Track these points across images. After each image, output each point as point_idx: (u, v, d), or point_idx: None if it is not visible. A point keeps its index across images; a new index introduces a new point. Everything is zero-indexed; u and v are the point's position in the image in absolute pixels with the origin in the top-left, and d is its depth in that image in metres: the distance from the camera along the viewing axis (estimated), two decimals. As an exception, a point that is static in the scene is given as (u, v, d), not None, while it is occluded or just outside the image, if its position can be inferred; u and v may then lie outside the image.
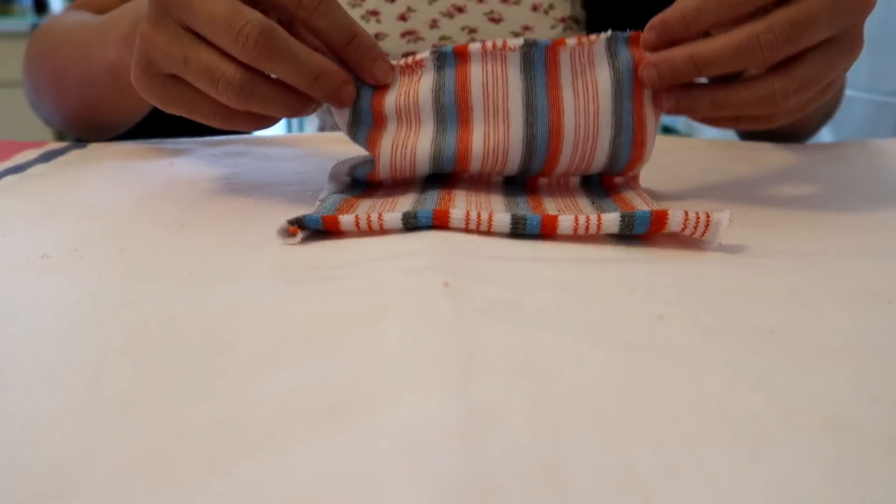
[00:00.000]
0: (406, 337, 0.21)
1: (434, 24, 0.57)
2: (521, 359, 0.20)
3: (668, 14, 0.32)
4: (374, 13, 0.58)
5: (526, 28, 0.57)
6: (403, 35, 0.57)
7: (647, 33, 0.33)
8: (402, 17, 0.57)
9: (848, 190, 0.40)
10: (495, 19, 0.58)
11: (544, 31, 0.57)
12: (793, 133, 0.54)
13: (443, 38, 0.57)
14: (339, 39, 0.32)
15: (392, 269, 0.26)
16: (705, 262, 0.28)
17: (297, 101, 0.33)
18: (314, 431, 0.17)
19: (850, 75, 0.39)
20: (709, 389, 0.19)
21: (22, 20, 2.13)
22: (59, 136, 2.09)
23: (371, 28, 0.57)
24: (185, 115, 0.34)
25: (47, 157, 0.46)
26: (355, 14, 0.58)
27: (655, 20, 0.33)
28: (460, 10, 0.57)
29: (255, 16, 0.30)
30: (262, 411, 0.18)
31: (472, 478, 0.15)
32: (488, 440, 0.17)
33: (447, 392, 0.19)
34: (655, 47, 0.33)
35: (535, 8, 0.57)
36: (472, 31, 0.57)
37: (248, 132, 0.35)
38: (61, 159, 0.46)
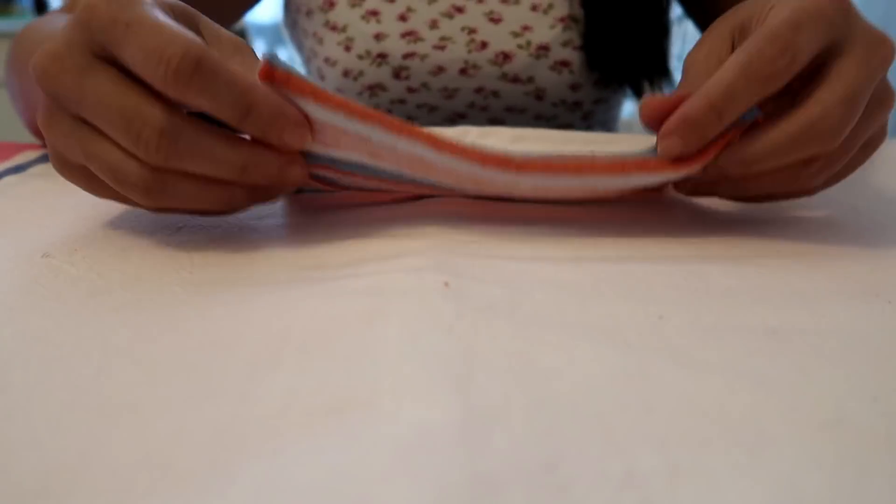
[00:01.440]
0: (406, 337, 0.21)
1: (434, 25, 0.57)
2: (520, 359, 0.20)
3: (692, 110, 0.28)
4: (374, 13, 0.58)
5: (525, 28, 0.57)
6: (403, 35, 0.57)
7: (670, 142, 0.28)
8: (402, 18, 0.57)
9: (848, 190, 0.40)
10: (495, 19, 0.58)
11: (543, 30, 0.57)
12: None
13: (443, 38, 0.57)
14: (231, 116, 0.26)
15: (392, 269, 0.26)
16: (705, 262, 0.28)
17: (223, 192, 0.28)
18: (314, 431, 0.17)
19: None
20: (709, 389, 0.19)
21: (22, 20, 2.14)
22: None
23: (371, 28, 0.57)
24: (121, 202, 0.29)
25: (47, 158, 0.46)
26: (355, 14, 0.58)
27: (675, 122, 0.28)
28: (460, 10, 0.57)
29: (153, 115, 0.25)
30: (262, 411, 0.18)
31: (472, 478, 0.15)
32: (488, 440, 0.17)
33: (447, 392, 0.19)
34: (681, 154, 0.29)
35: (534, 8, 0.57)
36: (472, 31, 0.57)
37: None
38: (61, 159, 0.46)
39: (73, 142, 0.27)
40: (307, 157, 0.31)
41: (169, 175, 0.26)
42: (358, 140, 0.28)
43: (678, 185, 0.32)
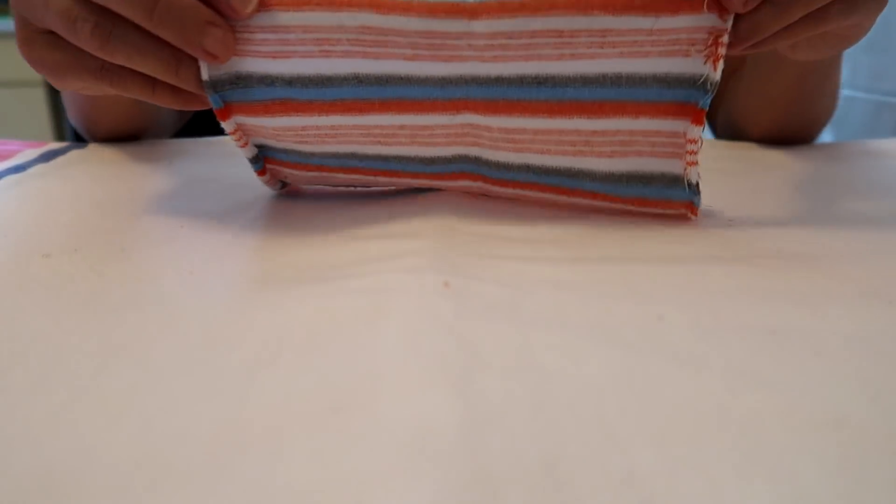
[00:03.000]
0: (406, 337, 0.21)
1: None
2: (521, 359, 0.20)
3: None
4: None
5: None
6: None
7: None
8: None
9: (848, 190, 0.40)
10: None
11: None
12: (797, 134, 0.54)
13: None
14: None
15: (392, 269, 0.26)
16: (705, 262, 0.28)
17: (170, 55, 0.29)
18: (314, 431, 0.17)
19: (850, 75, 0.39)
20: (709, 389, 0.19)
21: (22, 20, 2.13)
22: (59, 136, 2.10)
23: None
24: (74, 82, 0.31)
25: (47, 157, 0.46)
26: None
27: None
28: None
29: None
30: (262, 411, 0.18)
31: (472, 478, 0.15)
32: (488, 440, 0.17)
33: (447, 392, 0.19)
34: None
35: None
36: None
37: (182, 110, 0.33)
38: (61, 159, 0.46)
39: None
40: (266, 150, 0.33)
41: (119, 19, 0.28)
42: (303, 31, 0.28)
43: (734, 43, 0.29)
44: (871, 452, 0.17)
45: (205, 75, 0.29)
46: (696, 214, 0.32)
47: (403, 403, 0.18)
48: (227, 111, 0.31)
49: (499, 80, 0.29)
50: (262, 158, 0.35)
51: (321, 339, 0.22)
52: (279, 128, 0.32)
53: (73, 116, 0.52)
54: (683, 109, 0.30)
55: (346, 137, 0.32)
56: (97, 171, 0.43)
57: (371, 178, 0.34)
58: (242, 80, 0.30)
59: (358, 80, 0.30)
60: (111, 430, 0.17)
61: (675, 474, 0.16)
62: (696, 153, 0.30)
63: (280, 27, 0.28)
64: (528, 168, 0.33)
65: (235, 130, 0.32)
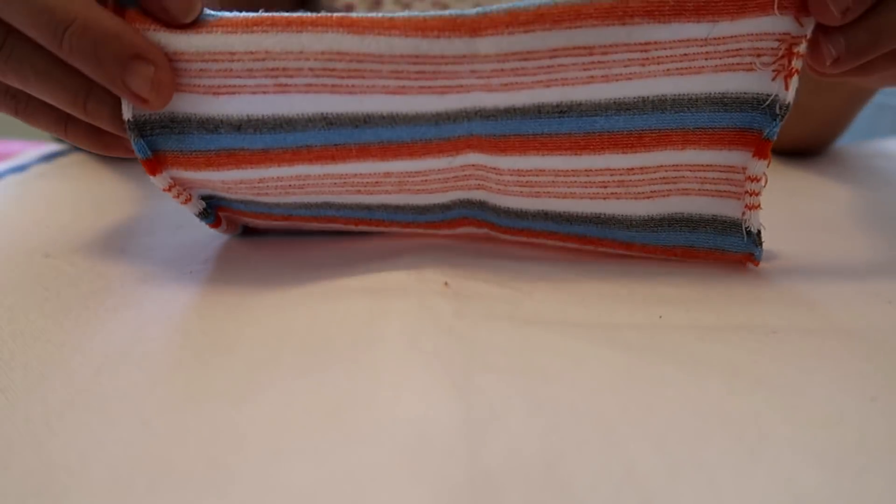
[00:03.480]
0: (406, 337, 0.21)
1: None
2: (521, 359, 0.20)
3: None
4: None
5: None
6: None
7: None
8: None
9: (848, 190, 0.40)
10: None
11: None
12: (820, 148, 0.52)
13: None
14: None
15: (392, 268, 0.26)
16: (705, 263, 0.28)
17: (78, 84, 0.22)
18: (314, 431, 0.17)
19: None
20: (709, 389, 0.19)
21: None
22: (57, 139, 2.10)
23: None
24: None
25: (48, 157, 0.46)
26: None
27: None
28: None
29: None
30: (263, 411, 0.18)
31: (472, 477, 0.15)
32: (488, 440, 0.17)
33: (447, 392, 0.19)
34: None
35: None
36: None
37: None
38: (62, 159, 0.46)
39: None
40: (218, 200, 0.27)
41: (14, 32, 0.22)
42: (255, 58, 0.22)
43: (817, 69, 0.23)
44: (871, 452, 0.17)
45: (127, 114, 0.23)
46: (756, 265, 0.26)
47: (403, 403, 0.18)
48: (158, 163, 0.24)
49: (510, 112, 0.23)
50: (214, 209, 0.28)
51: (321, 339, 0.22)
52: (230, 181, 0.25)
53: None
54: (743, 138, 0.24)
55: (315, 188, 0.25)
56: (97, 171, 0.43)
57: (353, 227, 0.29)
58: (177, 125, 0.23)
59: (327, 121, 0.23)
60: (111, 430, 0.17)
61: (675, 474, 0.16)
62: (758, 194, 0.24)
63: (222, 53, 0.22)
64: (545, 216, 0.27)
65: (171, 187, 0.25)
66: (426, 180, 0.25)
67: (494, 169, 0.25)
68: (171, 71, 0.22)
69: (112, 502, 0.15)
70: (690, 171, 0.25)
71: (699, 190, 0.25)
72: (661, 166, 0.25)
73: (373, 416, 0.18)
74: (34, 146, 0.49)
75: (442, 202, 0.27)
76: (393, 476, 0.16)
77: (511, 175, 0.25)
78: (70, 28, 0.21)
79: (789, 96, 0.23)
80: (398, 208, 0.27)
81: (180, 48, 0.22)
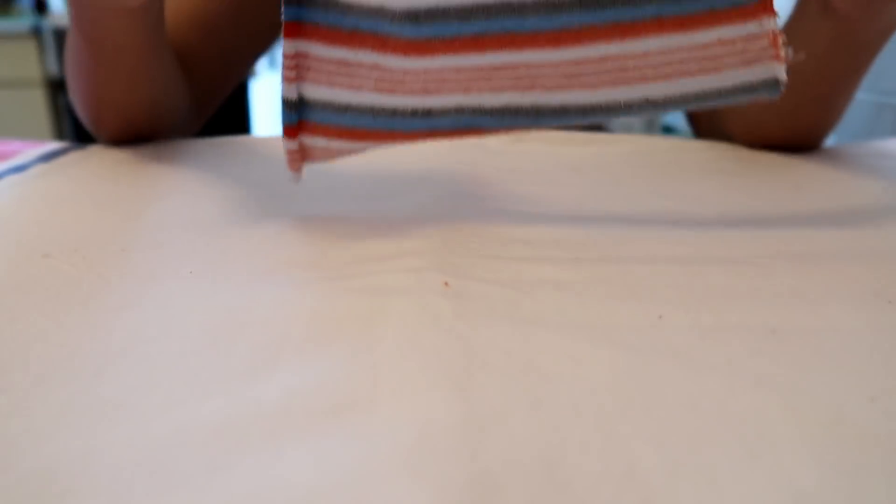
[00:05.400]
0: (406, 337, 0.21)
1: None
2: (521, 359, 0.20)
3: None
4: None
5: None
6: None
7: None
8: None
9: (847, 190, 0.40)
10: None
11: None
12: (803, 142, 0.52)
13: None
14: None
15: (392, 269, 0.26)
16: (705, 263, 0.28)
17: None
18: (314, 431, 0.17)
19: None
20: (709, 389, 0.19)
21: (22, 20, 2.13)
22: (59, 136, 2.10)
23: None
24: None
25: (47, 157, 0.46)
26: None
27: None
28: None
29: None
30: (262, 411, 0.18)
31: (472, 478, 0.15)
32: (488, 440, 0.17)
33: (447, 392, 0.19)
34: None
35: None
36: None
37: None
38: (61, 159, 0.46)
39: None
40: (310, 114, 0.28)
41: None
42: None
43: None
44: (871, 452, 0.17)
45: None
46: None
47: (403, 403, 0.18)
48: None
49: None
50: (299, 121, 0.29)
51: (321, 339, 0.22)
52: (366, 63, 0.27)
53: (80, 114, 0.52)
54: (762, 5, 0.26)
55: (452, 84, 0.28)
56: (97, 171, 0.43)
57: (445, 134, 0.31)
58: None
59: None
60: (111, 430, 0.17)
61: (675, 474, 0.16)
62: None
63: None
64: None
65: (293, 57, 0.27)
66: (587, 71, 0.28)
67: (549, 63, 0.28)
68: None
69: (112, 502, 0.15)
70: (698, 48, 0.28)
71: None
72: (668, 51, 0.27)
73: (373, 416, 0.18)
74: (34, 146, 0.49)
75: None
76: (393, 476, 0.16)
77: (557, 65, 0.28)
78: None
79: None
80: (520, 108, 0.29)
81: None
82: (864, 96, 1.14)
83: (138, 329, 0.23)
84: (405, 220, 0.32)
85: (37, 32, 2.05)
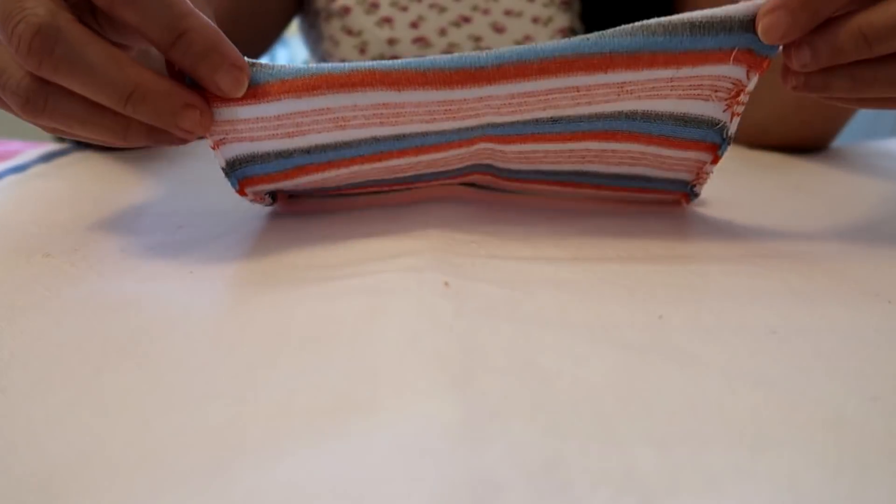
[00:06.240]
0: (406, 337, 0.21)
1: (443, 32, 0.59)
2: (521, 359, 0.20)
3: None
4: (388, 20, 0.59)
5: (527, 38, 0.59)
6: (415, 41, 0.59)
7: (775, 17, 0.25)
8: (414, 25, 0.59)
9: (847, 190, 0.40)
10: (499, 29, 0.59)
11: (544, 40, 0.58)
12: (810, 148, 0.52)
13: (451, 44, 0.59)
14: (160, 39, 0.24)
15: (392, 269, 0.26)
16: (705, 262, 0.28)
17: (116, 123, 0.25)
18: (314, 431, 0.17)
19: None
20: (709, 389, 0.19)
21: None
22: (59, 137, 2.09)
23: (384, 33, 0.59)
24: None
25: (47, 157, 0.46)
26: (370, 21, 0.59)
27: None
28: (467, 20, 0.59)
29: (35, 8, 0.22)
30: (262, 411, 0.18)
31: (472, 478, 0.15)
32: (488, 440, 0.17)
33: (447, 392, 0.19)
34: (784, 36, 0.25)
35: (535, 20, 0.59)
36: (477, 39, 0.60)
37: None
38: (62, 159, 0.46)
39: None
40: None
41: (52, 88, 0.24)
42: (318, 114, 0.28)
43: (785, 77, 0.28)
44: (871, 452, 0.17)
45: (221, 162, 0.29)
46: (687, 202, 0.35)
47: (403, 403, 0.18)
48: (245, 185, 0.31)
49: (514, 124, 0.30)
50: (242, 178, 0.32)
51: (321, 339, 0.22)
52: (301, 183, 0.32)
53: None
54: (699, 145, 0.31)
55: (363, 175, 0.32)
56: (97, 171, 0.43)
57: (385, 179, 0.34)
58: (259, 158, 0.30)
59: (376, 140, 0.30)
60: (111, 430, 0.17)
61: (675, 474, 0.16)
62: (707, 177, 0.33)
63: (295, 114, 0.28)
64: (537, 172, 0.34)
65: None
66: (447, 160, 0.32)
67: (500, 151, 0.32)
68: (209, 110, 0.26)
69: (112, 502, 0.15)
70: (654, 157, 0.32)
71: (660, 166, 0.33)
72: (630, 151, 0.32)
73: (373, 416, 0.18)
74: (34, 146, 0.49)
75: (459, 167, 0.34)
76: (393, 476, 0.16)
77: (513, 154, 0.32)
78: (132, 95, 0.24)
79: (733, 128, 0.30)
80: (423, 176, 0.34)
81: (256, 115, 0.27)
82: (864, 96, 1.13)
83: (138, 329, 0.23)
84: (405, 221, 0.32)
85: (37, 32, 2.04)
